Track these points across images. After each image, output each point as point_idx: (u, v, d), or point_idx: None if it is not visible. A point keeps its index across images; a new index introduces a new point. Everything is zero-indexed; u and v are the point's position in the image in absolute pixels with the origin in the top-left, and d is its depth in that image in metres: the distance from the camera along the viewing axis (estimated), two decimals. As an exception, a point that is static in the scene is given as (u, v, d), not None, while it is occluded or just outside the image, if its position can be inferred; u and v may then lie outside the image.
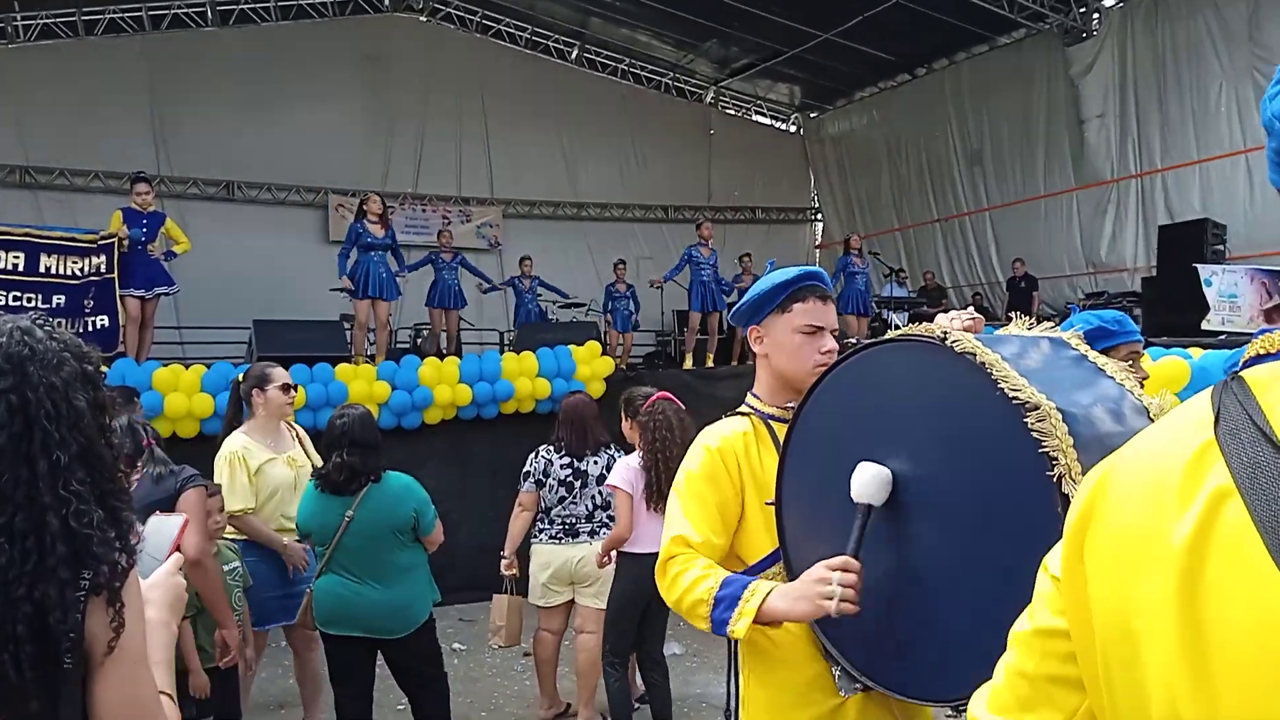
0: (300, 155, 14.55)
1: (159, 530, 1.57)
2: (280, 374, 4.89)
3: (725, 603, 1.93)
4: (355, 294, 9.46)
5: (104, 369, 1.29)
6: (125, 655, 1.25)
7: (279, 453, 4.80)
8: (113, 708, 1.25)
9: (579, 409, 5.38)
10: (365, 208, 9.45)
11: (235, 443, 4.73)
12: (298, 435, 5.03)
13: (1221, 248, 10.38)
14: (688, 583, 2.00)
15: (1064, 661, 0.89)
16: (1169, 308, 9.56)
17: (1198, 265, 9.31)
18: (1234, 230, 10.97)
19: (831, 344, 2.19)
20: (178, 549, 1.55)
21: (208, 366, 7.89)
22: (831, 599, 1.76)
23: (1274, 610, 0.66)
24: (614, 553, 4.89)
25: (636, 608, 4.80)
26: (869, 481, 1.74)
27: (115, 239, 8.21)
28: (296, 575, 4.72)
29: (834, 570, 1.77)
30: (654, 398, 4.97)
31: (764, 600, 1.88)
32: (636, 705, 5.38)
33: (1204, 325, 8.76)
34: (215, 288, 12.52)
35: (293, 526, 4.70)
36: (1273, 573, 0.66)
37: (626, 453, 5.11)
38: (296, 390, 4.92)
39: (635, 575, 4.65)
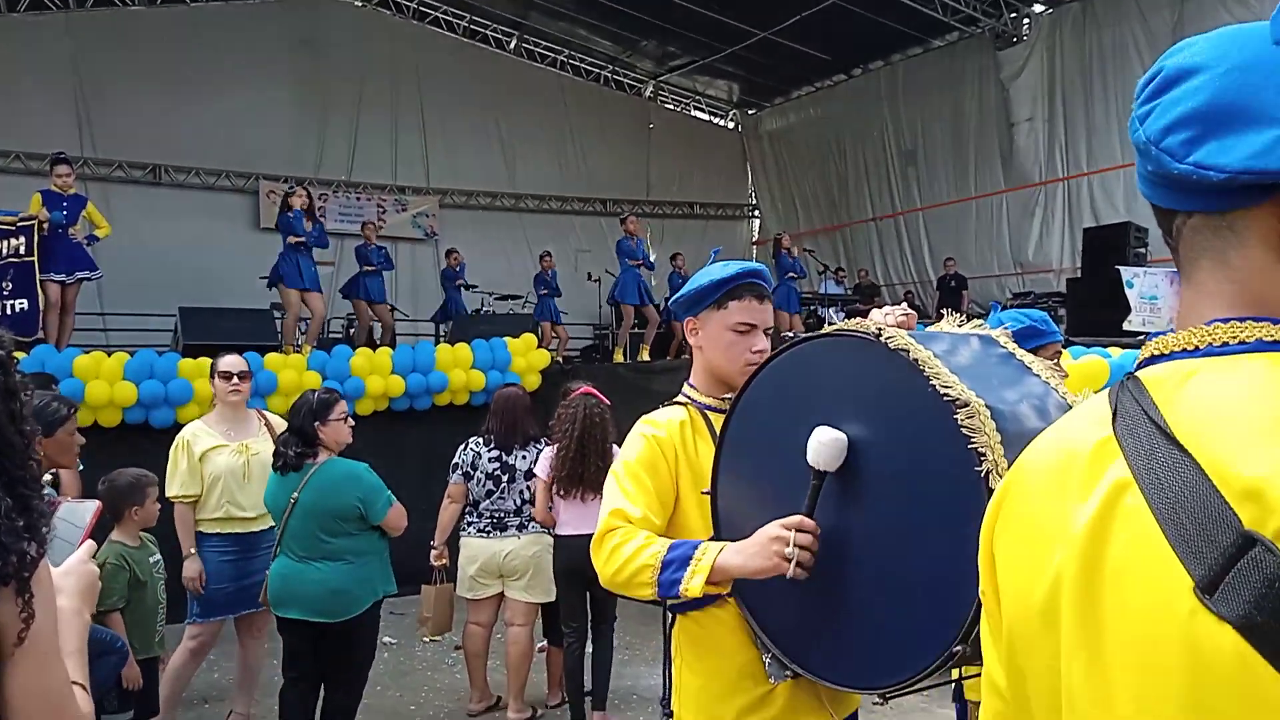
0: (231, 140, 14.24)
1: (70, 516, 1.54)
2: (225, 362, 4.88)
3: (675, 564, 1.89)
4: (280, 285, 9.24)
5: (16, 355, 1.25)
6: (36, 645, 1.22)
7: (232, 440, 4.75)
8: (24, 699, 1.22)
9: (510, 401, 5.39)
10: (290, 202, 9.26)
11: (186, 429, 4.81)
12: (266, 423, 4.96)
13: (1144, 251, 10.67)
14: (629, 552, 1.96)
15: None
16: (1092, 308, 9.80)
17: (1120, 267, 9.57)
18: (1155, 234, 11.20)
19: (763, 343, 2.21)
20: (90, 536, 1.51)
21: (131, 354, 7.68)
22: (789, 559, 1.74)
23: (1171, 590, 0.69)
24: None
25: (575, 583, 4.94)
26: (827, 446, 1.72)
27: (35, 221, 7.95)
28: (249, 569, 4.65)
29: (790, 530, 1.76)
30: (575, 392, 5.11)
31: (716, 556, 1.85)
32: (564, 698, 5.40)
33: (1126, 325, 9.01)
34: (141, 273, 12.21)
35: (243, 514, 4.70)
36: (1170, 557, 0.69)
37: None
38: (242, 378, 4.82)
39: (565, 554, 4.93)
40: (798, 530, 1.75)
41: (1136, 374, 0.83)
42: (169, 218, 13.72)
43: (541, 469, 5.04)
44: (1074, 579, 0.76)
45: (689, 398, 2.30)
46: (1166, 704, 0.69)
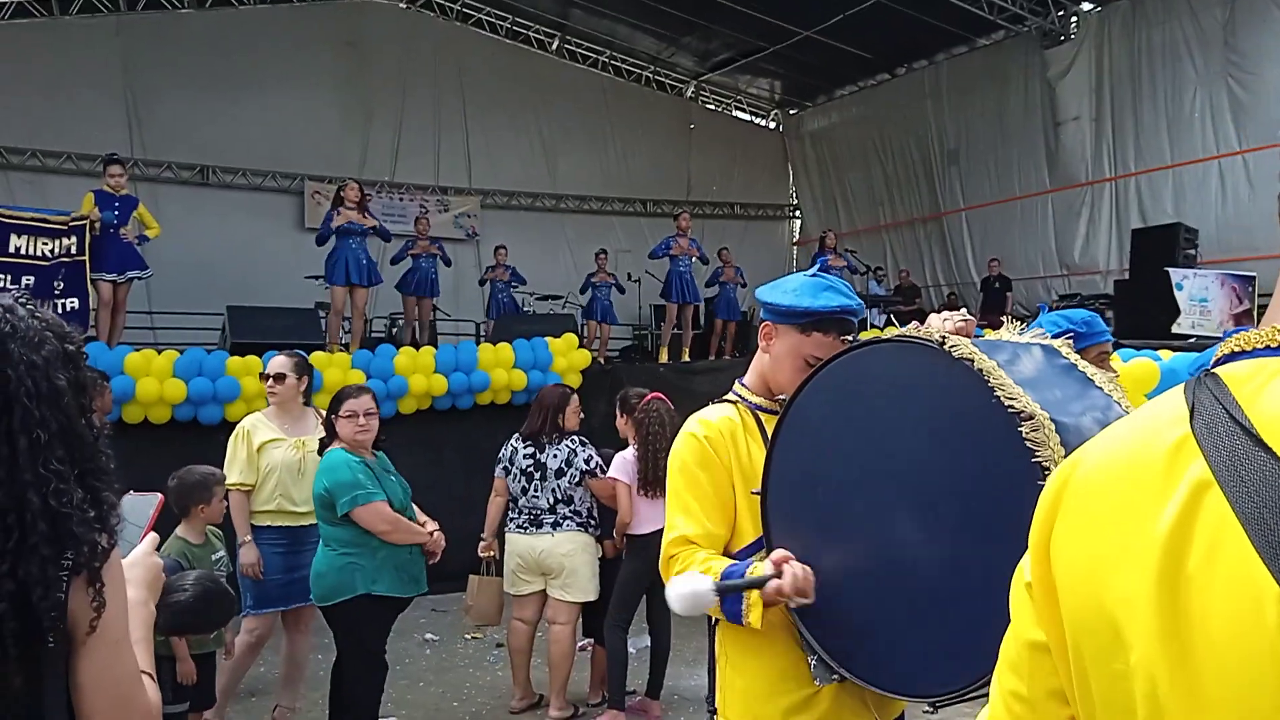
0: (276, 141, 14.41)
1: (133, 509, 1.57)
2: (272, 363, 4.99)
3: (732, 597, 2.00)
4: (332, 280, 9.33)
5: (84, 350, 1.29)
6: (107, 635, 1.25)
7: (290, 435, 4.84)
8: (95, 686, 1.25)
9: (547, 398, 5.48)
10: (343, 195, 9.32)
11: (247, 420, 4.94)
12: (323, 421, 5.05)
13: (1193, 252, 10.50)
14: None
15: (1051, 675, 0.90)
16: (1141, 310, 9.65)
17: (1169, 269, 9.42)
18: (1205, 235, 11.10)
19: None
20: (153, 528, 1.55)
21: (180, 352, 7.81)
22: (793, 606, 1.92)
23: (1258, 599, 0.67)
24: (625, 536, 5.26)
25: (642, 583, 5.13)
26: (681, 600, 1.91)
27: (87, 221, 8.10)
28: (298, 562, 4.72)
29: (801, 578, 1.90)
30: (648, 397, 5.29)
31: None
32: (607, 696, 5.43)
33: (1174, 328, 8.87)
34: (189, 273, 12.39)
35: (294, 509, 4.79)
36: (1255, 562, 0.67)
37: (618, 448, 5.39)
38: (276, 380, 4.89)
39: (639, 553, 5.09)
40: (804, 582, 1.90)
41: (1215, 370, 0.80)
42: (216, 218, 13.92)
43: (621, 472, 5.18)
44: (1155, 584, 0.74)
45: (740, 396, 2.29)
46: (1258, 713, 0.67)
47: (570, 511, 5.24)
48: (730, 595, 1.98)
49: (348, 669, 4.29)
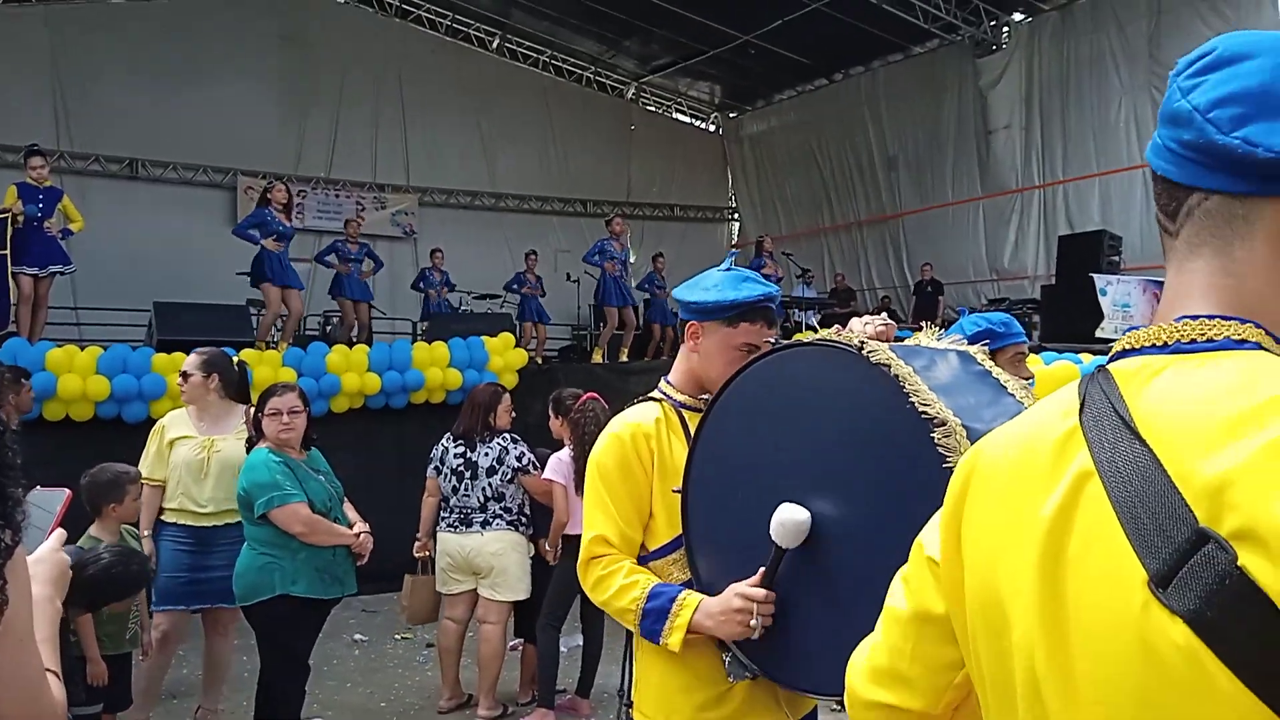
0: (209, 135, 14.11)
1: (41, 504, 1.53)
2: (186, 361, 4.90)
3: (654, 615, 2.04)
4: (259, 281, 9.20)
5: None
6: (11, 633, 1.22)
7: (204, 433, 4.77)
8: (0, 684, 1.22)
9: (479, 396, 5.46)
10: (270, 196, 9.21)
11: (167, 416, 4.93)
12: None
13: (1117, 258, 10.80)
14: (614, 590, 2.12)
15: (939, 642, 0.95)
16: (1066, 315, 9.90)
17: (1094, 275, 9.68)
18: (1129, 242, 11.42)
19: None
20: (60, 524, 1.51)
21: (104, 348, 7.63)
22: (754, 628, 1.88)
23: (1127, 584, 0.71)
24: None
25: (576, 583, 4.93)
26: (788, 527, 1.78)
27: (9, 214, 7.88)
28: (206, 563, 4.63)
29: (753, 602, 1.88)
30: (584, 398, 5.23)
31: (691, 616, 2.00)
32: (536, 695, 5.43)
33: (1099, 332, 9.11)
34: (117, 268, 12.11)
35: (197, 509, 4.69)
36: (1126, 549, 0.71)
37: (554, 449, 5.36)
38: (184, 378, 4.82)
39: (575, 553, 4.91)
40: (761, 603, 1.87)
41: (1107, 367, 0.85)
42: (146, 212, 13.62)
43: (557, 473, 5.14)
44: (1037, 567, 0.78)
45: (665, 394, 2.31)
46: (1123, 694, 0.71)
47: (501, 509, 5.22)
48: (657, 614, 2.03)
49: (268, 670, 4.23)
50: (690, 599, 2.01)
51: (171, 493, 4.70)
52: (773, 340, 2.20)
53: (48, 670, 1.31)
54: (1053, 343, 8.72)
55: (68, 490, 1.61)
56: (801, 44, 15.02)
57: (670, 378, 2.33)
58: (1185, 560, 0.67)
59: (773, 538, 1.80)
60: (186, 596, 4.67)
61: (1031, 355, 7.28)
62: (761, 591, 1.87)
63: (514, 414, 5.54)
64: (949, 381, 1.74)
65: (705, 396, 2.18)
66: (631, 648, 2.28)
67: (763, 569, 1.87)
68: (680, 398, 2.28)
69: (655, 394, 2.33)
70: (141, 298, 10.14)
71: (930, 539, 0.98)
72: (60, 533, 1.51)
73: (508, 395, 5.58)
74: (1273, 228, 0.80)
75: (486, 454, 5.24)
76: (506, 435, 5.34)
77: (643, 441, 2.19)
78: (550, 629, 5.16)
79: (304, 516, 4.06)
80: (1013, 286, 13.58)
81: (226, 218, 14.61)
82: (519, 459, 5.27)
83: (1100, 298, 9.41)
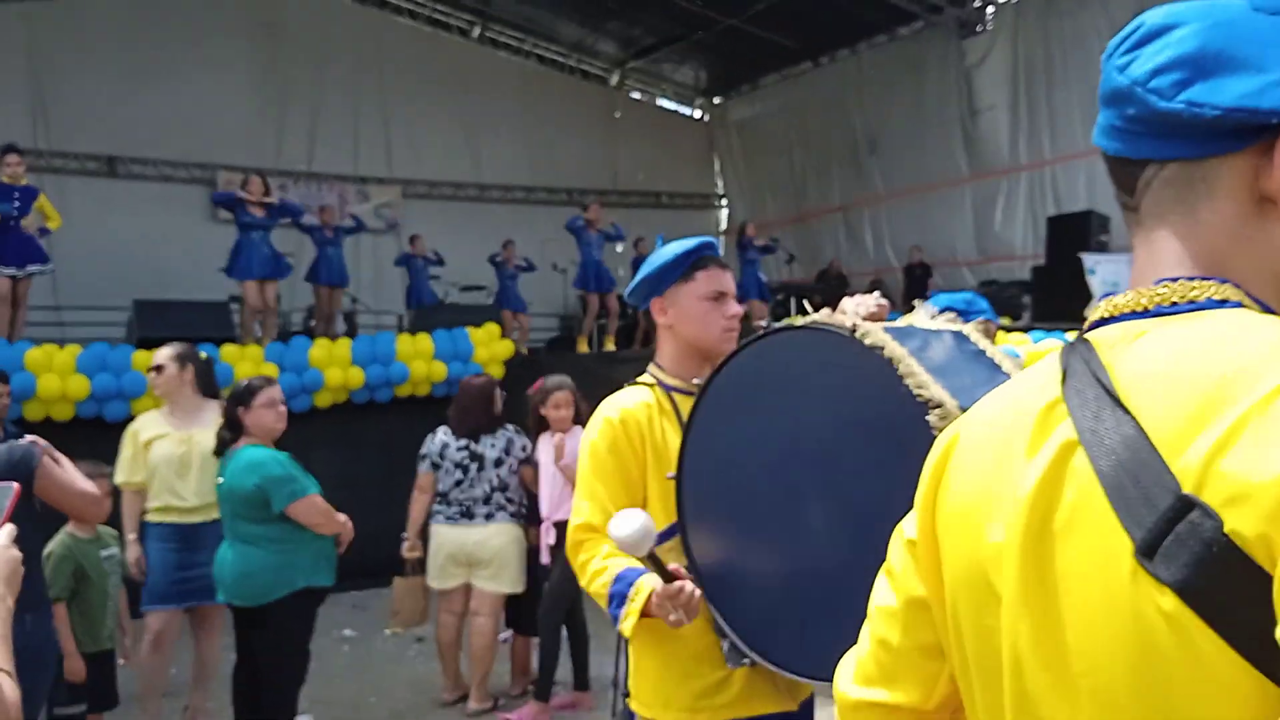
0: (188, 129, 13.94)
1: None
2: (156, 354, 4.87)
3: (616, 600, 2.07)
4: (237, 276, 9.14)
5: None
6: None
7: (179, 429, 4.73)
8: None
9: (477, 389, 5.40)
10: (246, 189, 9.14)
11: (139, 418, 4.90)
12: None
13: (1105, 238, 10.78)
14: (590, 573, 2.16)
15: (927, 629, 0.93)
16: (1056, 295, 9.89)
17: (1082, 255, 9.66)
18: (1118, 222, 11.37)
19: (736, 308, 2.25)
20: (9, 520, 1.46)
21: (84, 347, 7.53)
22: (678, 620, 1.95)
23: (1115, 554, 0.70)
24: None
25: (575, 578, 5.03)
26: (626, 539, 1.84)
27: (-17, 213, 7.78)
28: (193, 560, 4.60)
29: (665, 599, 1.95)
30: (535, 385, 5.30)
31: (645, 602, 2.02)
32: (530, 689, 5.39)
33: (1088, 312, 9.08)
34: (96, 266, 12.00)
35: (181, 504, 4.67)
36: (1112, 519, 0.70)
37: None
38: (157, 371, 4.79)
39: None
40: (671, 599, 1.93)
41: (1087, 336, 0.84)
42: (124, 209, 13.45)
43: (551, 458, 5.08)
44: (1020, 541, 0.77)
45: (655, 379, 2.28)
46: (1115, 664, 0.70)
47: (505, 499, 5.21)
48: (619, 598, 2.06)
49: (272, 666, 4.16)
50: (644, 585, 2.02)
51: (156, 492, 4.66)
52: (733, 284, 2.29)
53: (1, 670, 1.27)
54: (1043, 323, 8.68)
55: (16, 484, 1.56)
56: (786, 26, 14.94)
57: (659, 360, 2.31)
58: (1170, 528, 0.67)
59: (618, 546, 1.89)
60: (178, 595, 4.67)
61: (1020, 335, 7.25)
62: (663, 587, 1.95)
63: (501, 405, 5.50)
64: (944, 362, 1.72)
65: (697, 381, 2.15)
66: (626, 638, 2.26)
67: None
68: (672, 381, 2.26)
69: (646, 378, 2.30)
70: (123, 296, 10.04)
71: (909, 523, 0.97)
72: (9, 528, 1.47)
73: (498, 386, 5.56)
74: (1233, 185, 0.79)
75: (493, 445, 5.22)
76: (510, 426, 5.31)
77: (634, 425, 2.18)
78: (552, 622, 5.11)
79: (323, 506, 4.08)
80: (1002, 268, 13.56)
81: (206, 214, 14.45)
82: (524, 449, 5.28)
83: (1089, 277, 9.39)
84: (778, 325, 1.94)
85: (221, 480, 4.10)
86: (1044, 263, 11.37)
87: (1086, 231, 10.62)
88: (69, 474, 3.02)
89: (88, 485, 3.11)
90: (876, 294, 2.07)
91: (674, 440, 2.12)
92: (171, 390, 4.77)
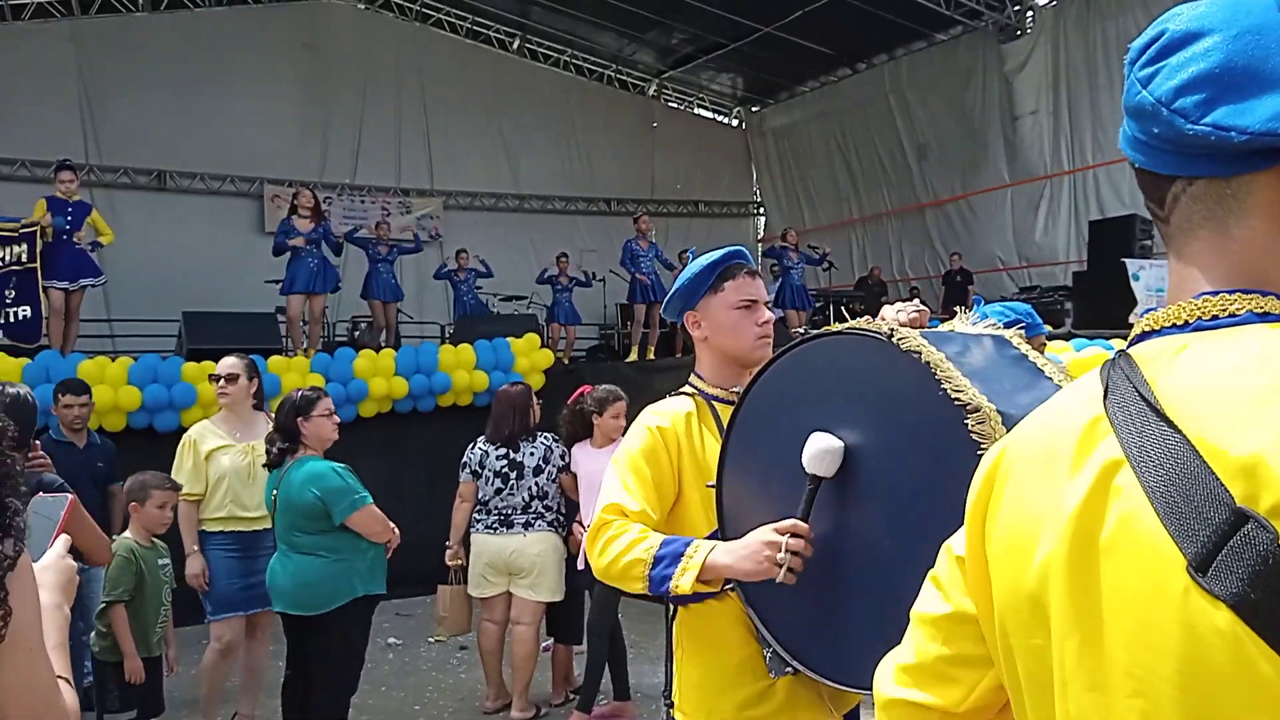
0: (235, 144, 14.23)
1: (44, 510, 1.53)
2: (222, 364, 4.92)
3: (666, 560, 1.93)
4: (287, 289, 9.30)
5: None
6: (21, 642, 1.22)
7: (239, 441, 4.78)
8: (10, 693, 1.22)
9: (513, 399, 5.42)
10: (296, 202, 9.29)
11: (193, 429, 4.88)
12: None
13: (1149, 243, 10.61)
14: (623, 545, 2.00)
15: (971, 641, 0.93)
16: (1099, 301, 9.75)
17: (1126, 260, 9.53)
18: (1162, 226, 11.21)
19: (767, 315, 2.26)
20: (64, 530, 1.51)
21: (135, 359, 7.70)
22: (780, 564, 1.77)
23: (1165, 570, 0.69)
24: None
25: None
26: (819, 454, 1.75)
27: (38, 228, 7.96)
28: (254, 567, 4.68)
29: (783, 534, 1.78)
30: (577, 393, 5.33)
31: (708, 555, 1.89)
32: (572, 697, 5.42)
33: (1132, 319, 8.96)
34: (147, 279, 12.26)
35: (245, 514, 4.73)
36: (1162, 536, 0.69)
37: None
38: (229, 380, 4.83)
39: None
40: (791, 535, 1.78)
41: (1128, 351, 0.83)
42: (174, 223, 13.74)
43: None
44: (1065, 560, 0.76)
45: (695, 388, 2.30)
46: (1163, 682, 0.69)
47: (543, 508, 5.24)
48: (670, 558, 1.93)
49: (328, 674, 4.20)
50: (706, 543, 1.93)
51: (219, 503, 4.71)
52: (764, 291, 2.28)
53: (60, 678, 1.31)
54: (1085, 329, 8.59)
55: (71, 495, 1.61)
56: (823, 34, 14.90)
57: (699, 370, 2.33)
58: (1225, 542, 0.65)
59: (807, 469, 1.76)
60: (242, 602, 4.74)
61: (1062, 342, 7.18)
62: (790, 522, 1.79)
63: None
64: (983, 366, 1.71)
65: (736, 389, 2.15)
66: (671, 645, 2.25)
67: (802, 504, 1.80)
68: (712, 391, 2.27)
69: (686, 389, 2.32)
70: (172, 308, 10.24)
71: (958, 540, 0.96)
72: (65, 538, 1.51)
73: (534, 394, 5.61)
74: (1264, 200, 0.77)
75: (531, 453, 5.25)
76: (548, 434, 5.35)
77: (671, 434, 2.18)
78: (601, 635, 5.09)
79: (380, 516, 4.13)
80: (1044, 274, 13.40)
81: (253, 226, 14.75)
82: (562, 457, 5.30)
83: (1133, 283, 9.25)
84: (815, 331, 1.94)
85: (276, 492, 4.12)
86: (1086, 268, 11.23)
87: (1130, 236, 10.47)
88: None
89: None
90: (915, 301, 2.06)
91: (714, 448, 2.10)
92: (239, 401, 4.84)
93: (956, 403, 1.57)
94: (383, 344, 10.50)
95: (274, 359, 8.11)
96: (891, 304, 2.03)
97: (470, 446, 5.38)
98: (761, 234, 19.39)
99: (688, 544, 1.94)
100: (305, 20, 15.25)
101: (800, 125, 18.13)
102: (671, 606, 2.20)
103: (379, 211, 15.23)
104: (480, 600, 5.36)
